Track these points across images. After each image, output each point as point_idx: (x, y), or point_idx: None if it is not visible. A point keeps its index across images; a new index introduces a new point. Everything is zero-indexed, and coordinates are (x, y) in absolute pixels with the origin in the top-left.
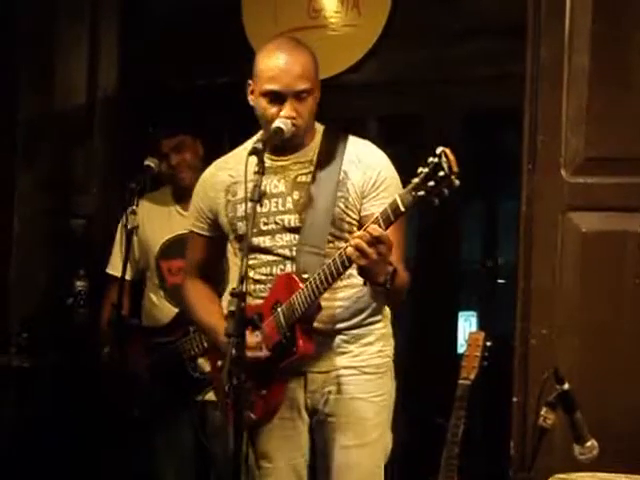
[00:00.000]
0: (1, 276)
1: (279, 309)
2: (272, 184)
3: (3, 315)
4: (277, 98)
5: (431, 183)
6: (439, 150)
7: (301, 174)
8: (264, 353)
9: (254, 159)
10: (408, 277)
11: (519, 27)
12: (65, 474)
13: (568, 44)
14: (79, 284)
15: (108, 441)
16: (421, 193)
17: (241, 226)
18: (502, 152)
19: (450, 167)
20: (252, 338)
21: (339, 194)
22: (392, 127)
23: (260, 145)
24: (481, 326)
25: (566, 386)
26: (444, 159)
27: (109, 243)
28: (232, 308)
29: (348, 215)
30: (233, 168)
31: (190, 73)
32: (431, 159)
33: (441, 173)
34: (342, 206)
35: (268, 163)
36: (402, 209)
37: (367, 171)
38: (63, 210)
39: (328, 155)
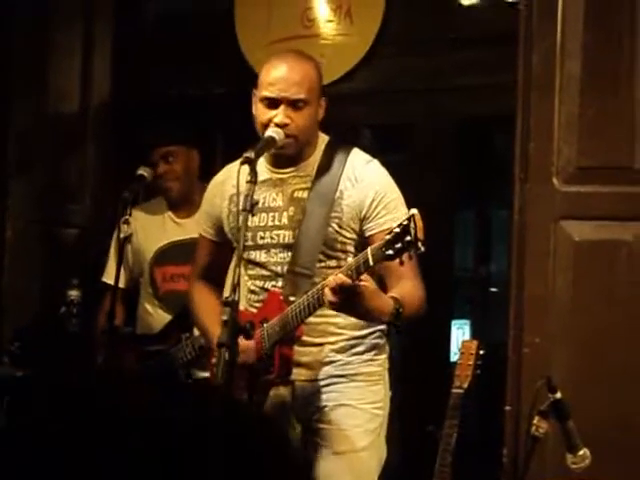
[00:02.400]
0: None
1: (265, 325)
2: (270, 197)
3: None
4: (273, 104)
5: (398, 245)
6: (410, 213)
7: (298, 189)
8: (251, 359)
9: (267, 165)
10: (420, 302)
11: (511, 35)
12: None
13: (560, 52)
14: (72, 293)
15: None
16: (389, 252)
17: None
18: (494, 160)
19: (416, 233)
20: (243, 342)
21: (333, 214)
22: (385, 135)
23: (252, 154)
24: (474, 335)
25: (558, 395)
26: (412, 224)
27: (102, 252)
28: (225, 317)
29: (342, 235)
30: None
31: (183, 81)
32: (403, 220)
33: (407, 238)
34: (335, 226)
35: (268, 175)
36: (371, 263)
37: (363, 191)
38: (56, 219)
39: (327, 171)
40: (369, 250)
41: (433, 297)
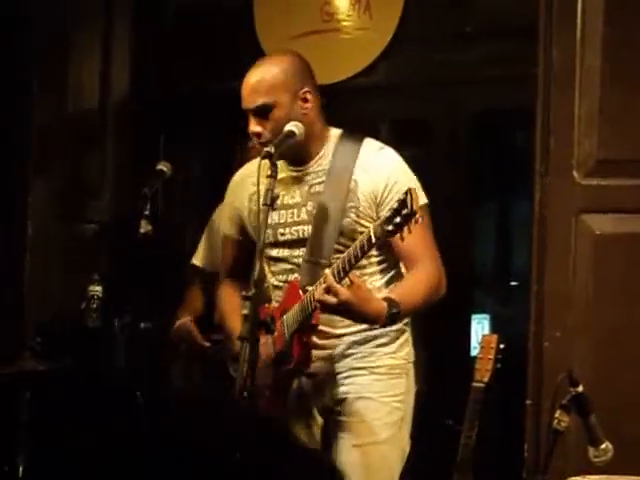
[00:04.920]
0: (15, 281)
1: (284, 317)
2: (289, 194)
3: (17, 320)
4: (248, 116)
5: (397, 219)
6: (407, 188)
7: (315, 184)
8: (269, 355)
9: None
10: (430, 288)
11: (530, 29)
12: (81, 478)
13: (580, 46)
14: (93, 289)
15: (125, 446)
16: (390, 228)
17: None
18: (514, 154)
19: (412, 206)
20: (263, 338)
21: (350, 204)
22: (404, 130)
23: (272, 149)
24: (494, 329)
25: (580, 388)
26: (409, 197)
27: (122, 248)
28: (245, 312)
29: (361, 225)
30: (255, 176)
31: (203, 77)
32: (400, 196)
33: (405, 211)
34: (353, 216)
35: (285, 173)
36: (373, 240)
37: (376, 178)
38: (76, 215)
39: (340, 163)
40: (371, 228)
41: (453, 291)
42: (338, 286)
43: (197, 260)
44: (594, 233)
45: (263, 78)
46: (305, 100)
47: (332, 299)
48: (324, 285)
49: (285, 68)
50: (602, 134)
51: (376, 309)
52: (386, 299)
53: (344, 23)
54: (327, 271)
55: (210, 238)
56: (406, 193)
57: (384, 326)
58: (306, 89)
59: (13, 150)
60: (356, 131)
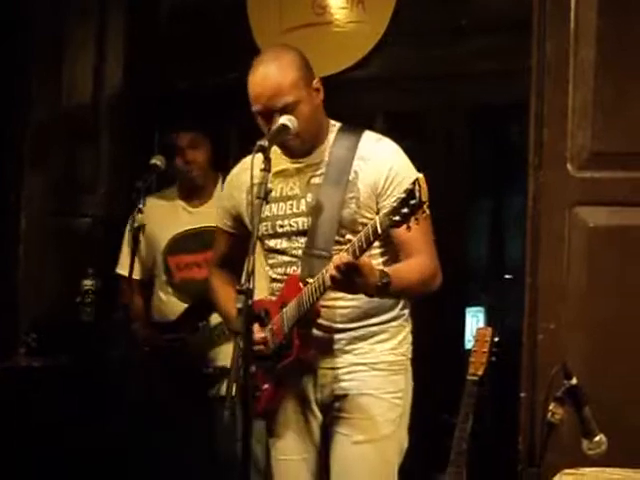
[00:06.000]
0: (9, 276)
1: (284, 310)
2: (288, 187)
3: (12, 315)
4: (267, 116)
5: (405, 210)
6: (415, 177)
7: (314, 176)
8: (268, 348)
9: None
10: (424, 275)
11: (524, 22)
12: (74, 474)
13: (573, 38)
14: (87, 283)
15: (117, 440)
16: (396, 218)
17: (260, 227)
18: (509, 147)
19: (421, 196)
20: (259, 334)
21: (350, 195)
22: (398, 123)
23: (265, 142)
24: (489, 322)
25: (574, 381)
26: (417, 187)
27: (117, 242)
28: (239, 305)
29: (361, 215)
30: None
31: (197, 71)
32: (407, 186)
33: (413, 201)
34: (354, 207)
35: (285, 165)
36: (379, 231)
37: (376, 168)
38: (70, 210)
39: (339, 155)
40: (377, 218)
41: (447, 284)
42: (356, 262)
43: (125, 271)
44: (588, 226)
45: (284, 74)
46: (318, 90)
47: (353, 261)
48: (340, 261)
49: (298, 62)
50: (596, 126)
51: (374, 278)
52: (379, 270)
53: (337, 16)
54: (340, 254)
55: (133, 243)
56: (414, 183)
57: (372, 296)
58: (317, 79)
59: (8, 145)
60: (350, 123)
